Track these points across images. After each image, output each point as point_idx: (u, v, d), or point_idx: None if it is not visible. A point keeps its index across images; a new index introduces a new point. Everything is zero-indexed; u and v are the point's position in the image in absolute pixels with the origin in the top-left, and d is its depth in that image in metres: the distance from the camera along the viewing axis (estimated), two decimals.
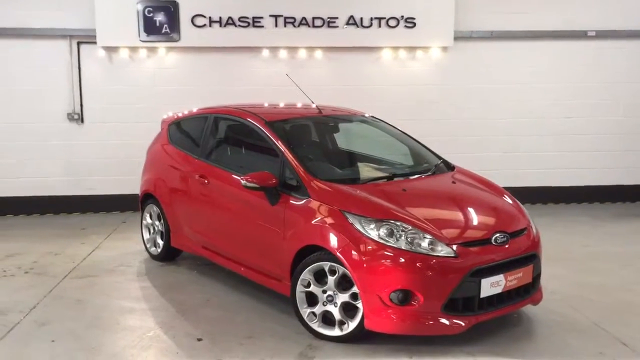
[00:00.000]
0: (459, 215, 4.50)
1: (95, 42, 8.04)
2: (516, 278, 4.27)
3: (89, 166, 8.42)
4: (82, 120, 8.33)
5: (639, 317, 4.77)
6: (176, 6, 8.00)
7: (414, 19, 8.21)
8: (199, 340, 4.38)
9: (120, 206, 8.48)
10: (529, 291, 4.48)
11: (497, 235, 4.27)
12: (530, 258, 4.44)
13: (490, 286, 4.12)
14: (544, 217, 7.91)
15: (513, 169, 8.67)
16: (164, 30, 8.05)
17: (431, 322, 4.03)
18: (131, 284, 5.60)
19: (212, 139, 5.72)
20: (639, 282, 5.60)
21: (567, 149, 8.83)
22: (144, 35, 8.04)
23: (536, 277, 4.54)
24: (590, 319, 4.72)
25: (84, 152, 8.38)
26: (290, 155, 4.74)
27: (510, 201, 4.84)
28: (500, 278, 4.16)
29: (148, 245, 6.34)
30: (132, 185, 7.62)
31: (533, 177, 8.78)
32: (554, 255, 6.04)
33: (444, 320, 4.04)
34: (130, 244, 6.85)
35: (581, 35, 8.57)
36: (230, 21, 8.05)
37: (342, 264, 4.17)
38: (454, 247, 4.09)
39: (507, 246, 4.28)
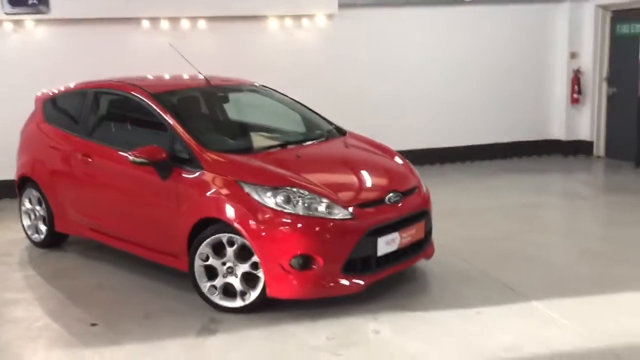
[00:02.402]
0: (354, 178, 4.58)
1: None
2: (410, 235, 4.43)
3: None
4: None
5: (521, 263, 5.13)
6: None
7: None
8: (93, 325, 4.17)
9: None
10: (422, 246, 4.67)
11: (391, 195, 4.39)
12: (422, 215, 4.62)
13: (386, 244, 4.24)
14: (431, 177, 8.17)
15: (400, 133, 8.83)
16: (30, 2, 7.44)
17: (332, 284, 4.10)
18: (13, 274, 5.23)
19: (94, 116, 5.41)
20: (518, 231, 6.01)
21: (449, 111, 9.22)
22: (8, 8, 7.38)
23: (428, 232, 4.74)
24: (477, 267, 5.01)
25: None
26: (180, 128, 4.58)
27: (400, 162, 4.99)
28: (395, 236, 4.29)
29: (29, 232, 5.93)
30: (6, 169, 7.06)
31: (418, 139, 9.06)
32: (442, 211, 6.26)
33: (344, 281, 4.12)
34: (9, 232, 6.36)
35: (458, 1, 8.93)
36: None
37: (240, 235, 4.12)
38: (350, 209, 4.16)
39: (400, 205, 4.41)
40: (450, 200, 7.11)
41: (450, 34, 9.06)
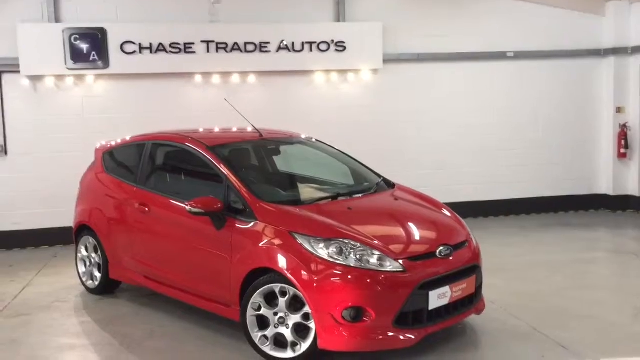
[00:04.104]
0: (404, 231, 4.62)
1: (18, 71, 7.75)
2: (461, 289, 4.41)
3: (14, 200, 8.02)
4: (6, 153, 7.97)
5: (573, 320, 5.02)
6: (104, 33, 7.85)
7: (344, 43, 8.42)
8: None
9: (50, 240, 8.12)
10: (473, 301, 4.64)
11: (441, 248, 4.41)
12: (473, 269, 4.60)
13: (438, 298, 4.24)
14: (475, 230, 8.10)
15: (443, 185, 8.90)
16: (91, 58, 7.86)
17: (383, 337, 4.09)
18: (69, 319, 5.37)
19: (151, 166, 5.62)
20: (569, 287, 5.90)
21: (493, 164, 9.23)
22: (70, 63, 7.82)
23: (478, 287, 4.71)
24: (529, 324, 4.92)
25: (8, 186, 7.98)
26: (235, 179, 4.72)
27: (449, 214, 5.01)
28: (446, 290, 4.28)
29: (84, 279, 6.11)
30: (62, 217, 7.38)
31: (462, 192, 9.07)
32: (489, 266, 6.21)
33: (395, 335, 4.10)
34: (64, 278, 6.56)
35: (501, 56, 9.06)
36: (161, 47, 7.97)
37: (293, 285, 4.17)
38: (402, 261, 4.19)
39: (451, 258, 4.42)
40: (497, 254, 7.04)
41: (494, 87, 9.15)
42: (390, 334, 4.10)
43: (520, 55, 9.09)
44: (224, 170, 4.82)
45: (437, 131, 9.05)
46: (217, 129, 6.21)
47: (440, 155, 9.08)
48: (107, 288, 5.93)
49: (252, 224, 4.48)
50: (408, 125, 8.95)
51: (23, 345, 4.80)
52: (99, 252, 5.85)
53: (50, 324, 5.25)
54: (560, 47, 9.22)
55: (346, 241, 4.19)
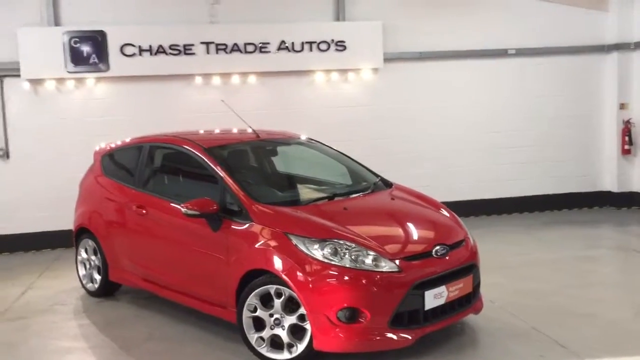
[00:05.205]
0: (400, 231, 4.59)
1: (19, 75, 7.78)
2: (458, 288, 4.38)
3: (16, 203, 8.05)
4: (8, 156, 8.01)
5: (572, 319, 4.98)
6: (104, 36, 7.87)
7: (344, 42, 8.40)
8: None
9: (51, 243, 8.16)
10: (470, 301, 4.61)
11: (437, 247, 4.38)
12: (470, 268, 4.57)
13: (434, 298, 4.21)
14: (478, 228, 8.11)
15: (446, 184, 8.89)
16: (91, 61, 7.88)
17: (379, 338, 4.07)
18: (68, 322, 5.38)
19: (149, 169, 5.63)
20: (570, 285, 5.85)
21: (496, 162, 9.18)
22: (70, 66, 7.85)
23: (476, 286, 4.68)
24: (528, 323, 4.88)
25: (10, 189, 8.03)
26: (230, 180, 4.72)
27: (447, 214, 4.98)
28: (442, 289, 4.26)
29: (84, 282, 6.12)
30: (64, 220, 7.37)
31: (465, 190, 9.05)
32: (490, 264, 6.20)
33: (391, 335, 4.08)
34: (65, 281, 6.58)
35: (502, 53, 9.00)
36: (160, 49, 7.99)
37: (288, 286, 4.16)
38: (397, 262, 4.17)
39: (447, 258, 4.39)
40: (499, 252, 7.00)
41: (496, 85, 9.10)
42: (386, 334, 4.08)
43: (521, 52, 9.03)
44: (220, 171, 4.81)
45: (439, 129, 9.00)
46: (216, 131, 6.21)
47: (442, 154, 9.04)
48: (107, 290, 5.94)
49: (247, 225, 4.48)
50: (409, 124, 8.91)
51: (21, 349, 4.82)
52: (99, 255, 5.86)
53: (49, 327, 5.27)
54: (562, 43, 9.14)
55: (341, 242, 4.17)
